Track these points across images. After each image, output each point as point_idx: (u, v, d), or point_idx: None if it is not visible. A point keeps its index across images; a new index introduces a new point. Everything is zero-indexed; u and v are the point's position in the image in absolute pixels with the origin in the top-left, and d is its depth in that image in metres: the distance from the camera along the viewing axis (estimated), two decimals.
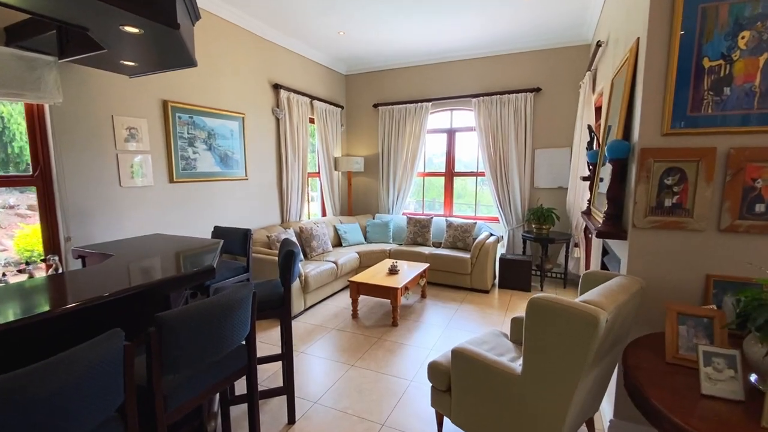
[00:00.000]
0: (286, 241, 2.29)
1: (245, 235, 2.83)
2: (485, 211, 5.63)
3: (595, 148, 2.97)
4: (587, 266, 4.44)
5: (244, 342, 1.54)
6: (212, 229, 3.18)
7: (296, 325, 3.55)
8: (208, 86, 3.75)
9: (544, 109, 4.90)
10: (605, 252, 2.73)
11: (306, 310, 3.86)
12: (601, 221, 2.16)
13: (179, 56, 2.05)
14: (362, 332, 3.38)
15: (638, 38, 1.97)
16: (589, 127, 3.04)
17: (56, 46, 2.22)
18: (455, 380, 1.88)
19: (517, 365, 1.72)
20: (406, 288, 3.61)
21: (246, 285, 1.43)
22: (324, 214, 5.88)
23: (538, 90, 4.86)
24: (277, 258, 3.61)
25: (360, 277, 3.67)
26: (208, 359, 1.29)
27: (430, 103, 5.43)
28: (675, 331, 1.52)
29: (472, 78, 5.24)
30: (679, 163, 1.78)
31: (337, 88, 5.89)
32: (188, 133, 3.59)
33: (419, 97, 5.56)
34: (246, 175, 4.24)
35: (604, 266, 2.73)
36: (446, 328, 3.46)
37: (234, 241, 2.89)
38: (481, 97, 5.09)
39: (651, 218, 1.84)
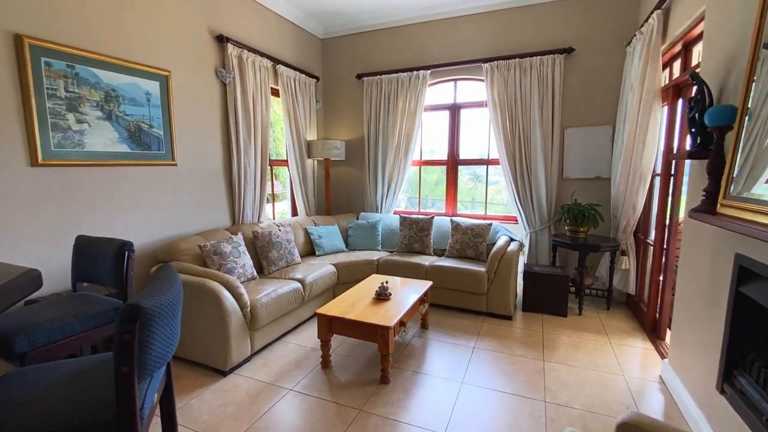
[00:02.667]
0: (161, 274, 1.08)
1: (120, 250, 1.61)
2: (495, 209, 4.49)
3: (709, 104, 1.83)
4: (643, 283, 3.33)
5: None
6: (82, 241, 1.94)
7: (235, 382, 2.33)
8: (104, 23, 2.50)
9: (578, 76, 3.76)
10: (744, 274, 1.58)
11: (254, 355, 2.64)
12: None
13: None
14: (335, 397, 2.19)
15: None
16: (695, 74, 1.90)
17: None
18: None
19: None
20: (401, 323, 2.43)
21: None
22: (294, 213, 4.65)
23: (569, 51, 3.72)
24: (212, 284, 2.40)
25: (333, 308, 2.47)
26: None
27: (429, 72, 4.24)
28: None
29: (483, 37, 4.07)
30: None
31: (310, 53, 4.66)
32: (67, 91, 2.33)
33: (415, 63, 4.36)
34: (173, 159, 3.00)
35: (742, 301, 1.59)
36: (463, 386, 2.29)
37: (101, 261, 1.66)
38: (495, 62, 3.93)
39: None
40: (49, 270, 2.27)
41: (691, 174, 2.19)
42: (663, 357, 2.56)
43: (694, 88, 2.01)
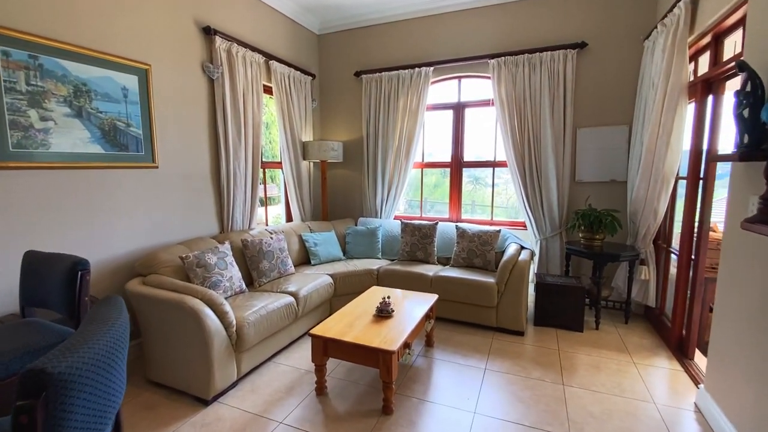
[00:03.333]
0: (98, 312, 0.82)
1: (72, 270, 1.35)
2: (495, 213, 4.23)
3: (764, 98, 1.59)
4: (665, 295, 3.08)
5: None
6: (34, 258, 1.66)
7: (218, 413, 2.06)
8: (74, 9, 2.24)
9: (591, 73, 3.52)
10: None
11: (240, 380, 2.37)
12: None
13: None
14: (331, 431, 1.92)
15: None
16: (744, 63, 1.66)
17: None
18: None
19: None
20: (406, 345, 2.17)
21: None
22: (289, 218, 4.39)
23: (582, 45, 3.48)
24: (192, 301, 2.13)
25: (329, 328, 2.21)
26: None
27: (432, 69, 4.00)
28: None
29: (489, 32, 3.83)
30: None
31: (306, 50, 4.41)
32: (29, 85, 2.07)
33: (417, 60, 4.11)
34: (154, 161, 2.73)
35: None
36: (476, 416, 2.03)
37: (51, 282, 1.40)
38: (502, 58, 3.68)
39: None
40: (8, 287, 2.00)
41: (733, 177, 1.94)
42: (696, 381, 2.30)
43: (738, 80, 1.77)
